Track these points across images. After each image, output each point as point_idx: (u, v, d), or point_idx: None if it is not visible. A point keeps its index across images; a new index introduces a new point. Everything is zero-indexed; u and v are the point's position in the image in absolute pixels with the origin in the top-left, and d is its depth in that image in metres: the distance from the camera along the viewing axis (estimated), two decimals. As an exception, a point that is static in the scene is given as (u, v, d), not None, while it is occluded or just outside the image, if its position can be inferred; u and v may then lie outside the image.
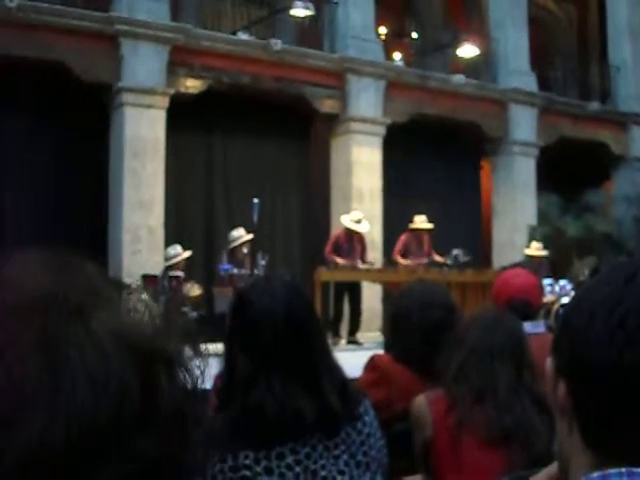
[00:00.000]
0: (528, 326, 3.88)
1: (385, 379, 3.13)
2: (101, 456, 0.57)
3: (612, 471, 0.88)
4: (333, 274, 11.29)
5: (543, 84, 16.82)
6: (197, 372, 0.66)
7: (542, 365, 3.19)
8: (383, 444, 2.24)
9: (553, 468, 1.07)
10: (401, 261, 11.99)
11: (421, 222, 12.21)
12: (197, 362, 0.66)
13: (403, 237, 12.31)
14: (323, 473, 2.05)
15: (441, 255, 12.24)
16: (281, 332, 2.07)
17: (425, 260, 12.06)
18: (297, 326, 2.09)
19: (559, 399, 0.96)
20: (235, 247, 10.70)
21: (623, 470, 0.87)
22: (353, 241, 11.60)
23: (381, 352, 3.41)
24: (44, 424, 0.55)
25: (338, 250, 11.47)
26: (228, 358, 2.13)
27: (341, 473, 2.08)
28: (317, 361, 2.10)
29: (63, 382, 0.56)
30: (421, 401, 2.70)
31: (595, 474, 0.89)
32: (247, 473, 1.97)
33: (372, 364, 3.27)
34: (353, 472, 2.10)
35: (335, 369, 2.15)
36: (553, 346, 1.01)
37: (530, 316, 3.91)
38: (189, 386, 0.64)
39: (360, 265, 11.57)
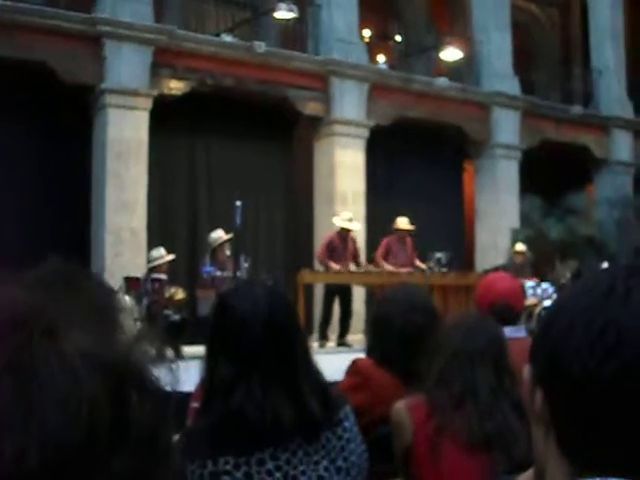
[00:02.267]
0: (509, 330, 3.89)
1: (366, 384, 3.13)
2: (75, 479, 0.56)
3: None
4: (316, 277, 11.31)
5: (526, 87, 16.89)
6: (172, 381, 0.66)
7: (522, 370, 3.19)
8: (363, 449, 2.23)
9: (530, 474, 1.08)
10: (384, 265, 12.00)
11: (403, 223, 12.22)
12: (174, 367, 0.66)
13: (386, 240, 12.34)
14: (303, 479, 2.04)
15: (423, 261, 12.26)
16: (262, 337, 2.07)
17: (408, 266, 12.08)
18: (278, 331, 2.09)
19: (536, 407, 0.96)
20: (217, 249, 10.67)
21: None
22: (347, 242, 11.65)
23: (363, 356, 3.42)
24: (18, 449, 0.54)
25: (332, 252, 11.49)
26: (209, 362, 2.13)
27: (321, 479, 2.07)
28: (298, 366, 2.09)
29: (34, 405, 0.56)
30: (401, 407, 2.70)
31: None
32: (227, 479, 1.97)
33: (353, 368, 3.27)
34: (333, 477, 2.09)
35: (316, 374, 2.15)
36: (531, 354, 1.01)
37: (512, 320, 3.93)
38: (161, 404, 0.64)
39: (353, 268, 11.61)
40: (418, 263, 12.25)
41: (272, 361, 2.05)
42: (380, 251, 12.29)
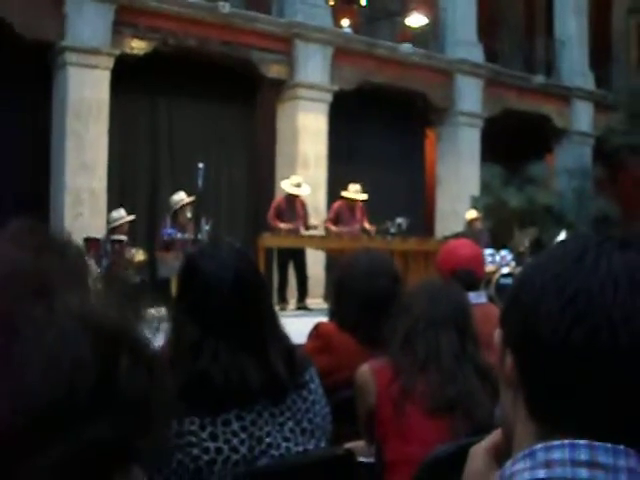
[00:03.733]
0: (471, 296, 3.94)
1: (329, 347, 3.16)
2: (50, 439, 0.56)
3: (555, 443, 0.90)
4: (276, 240, 11.28)
5: (489, 56, 16.93)
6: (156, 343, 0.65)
7: (484, 335, 3.25)
8: (328, 411, 2.26)
9: (496, 436, 1.09)
10: (332, 228, 11.97)
11: (355, 192, 12.15)
12: (159, 328, 0.65)
13: (336, 205, 12.28)
14: (268, 440, 2.06)
15: (371, 224, 12.19)
16: (229, 298, 2.07)
17: (357, 227, 12.04)
18: (245, 293, 2.09)
19: (506, 370, 0.98)
20: (178, 211, 10.62)
21: (566, 442, 0.89)
22: (295, 206, 11.59)
23: (325, 320, 3.44)
24: None
25: (280, 216, 11.46)
26: (175, 324, 2.12)
27: (286, 440, 2.09)
28: (264, 328, 2.10)
29: (14, 362, 0.55)
30: (365, 370, 2.72)
31: (539, 445, 0.91)
32: (192, 439, 1.98)
33: (316, 332, 3.29)
34: (298, 439, 2.12)
35: (282, 336, 2.17)
36: (501, 318, 1.03)
37: (473, 286, 3.97)
38: (154, 369, 0.63)
39: (303, 231, 11.58)
40: (367, 226, 12.16)
41: (239, 322, 2.06)
42: (329, 216, 12.26)
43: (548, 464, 0.89)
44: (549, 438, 0.91)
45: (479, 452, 1.11)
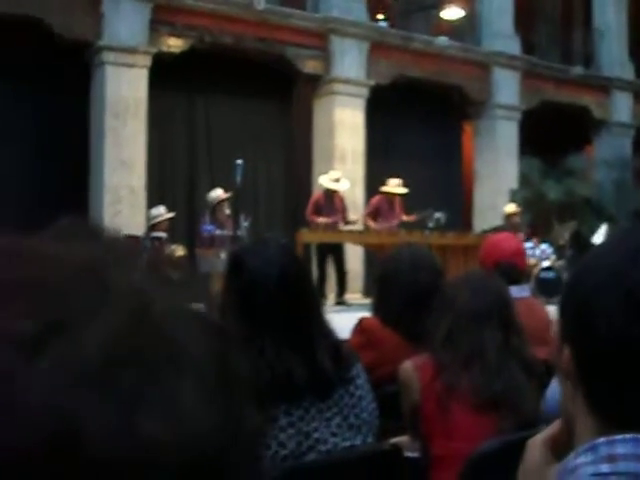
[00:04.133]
0: (514, 290, 3.91)
1: (372, 342, 3.15)
2: None
3: (618, 437, 0.89)
4: (315, 235, 11.27)
5: (526, 47, 16.78)
6: None
7: (528, 328, 3.22)
8: (374, 407, 2.25)
9: (554, 428, 1.08)
10: (371, 224, 11.94)
11: (395, 186, 12.12)
12: None
13: (375, 200, 12.26)
14: (316, 435, 2.06)
15: (408, 214, 12.10)
16: (275, 294, 2.07)
17: (395, 223, 12.00)
18: (291, 289, 2.10)
19: (563, 363, 0.97)
20: (216, 208, 10.65)
21: (628, 436, 0.88)
22: (333, 201, 11.57)
23: (368, 315, 3.43)
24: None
25: (319, 211, 11.45)
26: (221, 319, 2.13)
27: (333, 435, 2.09)
28: (310, 324, 2.10)
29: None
30: (408, 366, 2.70)
31: (601, 439, 0.90)
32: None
33: (360, 327, 3.29)
34: (345, 434, 2.12)
35: (328, 332, 2.16)
36: (559, 311, 1.02)
37: (516, 280, 3.94)
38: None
39: (342, 225, 11.57)
40: (405, 218, 12.10)
41: (285, 318, 2.06)
42: (368, 211, 12.23)
43: (611, 458, 0.88)
44: (610, 432, 0.90)
45: (536, 444, 1.10)
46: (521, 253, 4.15)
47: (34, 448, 0.39)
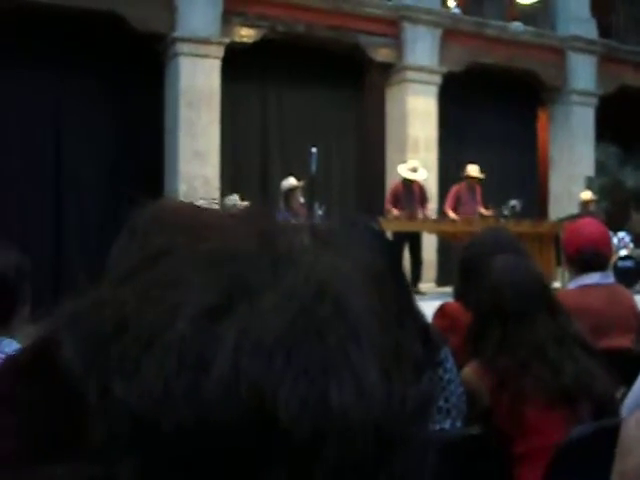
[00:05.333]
0: (598, 277, 3.83)
1: (455, 327, 3.10)
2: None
3: None
4: (391, 224, 11.23)
5: (603, 31, 16.40)
6: None
7: (613, 315, 3.14)
8: (462, 391, 2.22)
9: None
10: (451, 215, 11.88)
11: (473, 171, 12.07)
12: None
13: (455, 189, 12.20)
14: (405, 418, 2.04)
15: (488, 208, 12.07)
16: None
17: (477, 209, 11.95)
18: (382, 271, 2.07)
19: None
20: (290, 196, 10.68)
21: None
22: (412, 191, 11.54)
23: (450, 301, 3.39)
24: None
25: (398, 201, 11.42)
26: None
27: (423, 419, 2.07)
28: (400, 305, 2.08)
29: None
30: (471, 375, 2.59)
31: None
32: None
33: (442, 312, 3.25)
34: (434, 417, 2.09)
35: (418, 314, 2.14)
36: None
37: (600, 266, 3.86)
38: None
39: (420, 215, 11.51)
40: (482, 211, 12.08)
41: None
42: (449, 202, 12.15)
43: None
44: None
45: (633, 422, 1.07)
46: (605, 239, 4.05)
47: (231, 417, 0.40)
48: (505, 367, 2.53)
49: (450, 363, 2.18)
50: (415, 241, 11.62)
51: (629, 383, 3.12)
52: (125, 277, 0.47)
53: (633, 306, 3.86)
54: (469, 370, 2.62)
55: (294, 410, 0.40)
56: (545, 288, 2.72)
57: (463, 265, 3.28)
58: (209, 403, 0.40)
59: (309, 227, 0.54)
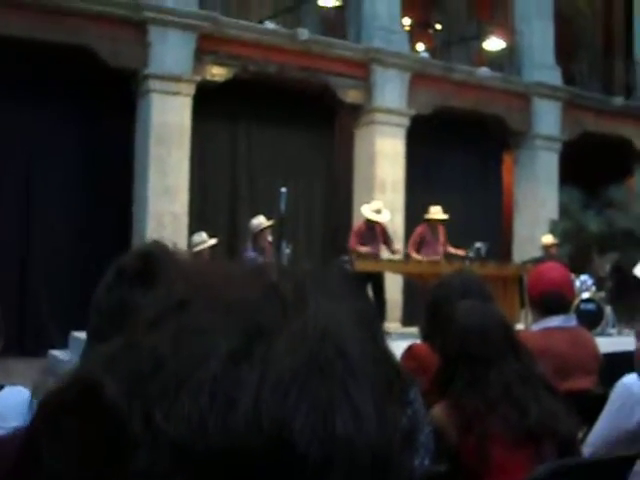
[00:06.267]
0: (561, 320, 3.93)
1: (424, 368, 3.17)
2: None
3: None
4: (360, 264, 11.31)
5: (567, 78, 16.77)
6: None
7: (576, 358, 3.23)
8: (431, 430, 2.29)
9: None
10: (415, 256, 11.95)
11: (436, 213, 12.17)
12: None
13: (418, 230, 12.28)
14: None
15: (457, 247, 12.19)
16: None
17: (441, 251, 12.03)
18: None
19: None
20: (258, 235, 10.72)
21: None
22: (375, 232, 11.61)
23: (417, 342, 3.46)
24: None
25: (361, 241, 11.49)
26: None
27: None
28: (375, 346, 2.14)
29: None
30: (440, 414, 2.68)
31: None
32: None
33: (410, 353, 3.32)
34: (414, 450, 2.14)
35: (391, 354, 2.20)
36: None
37: (564, 309, 3.96)
38: None
39: (385, 254, 11.58)
40: (452, 250, 12.18)
41: None
42: (412, 241, 12.23)
43: None
44: None
45: None
46: (568, 283, 4.16)
47: (255, 444, 0.47)
48: (473, 407, 2.61)
49: (419, 403, 2.25)
50: (378, 280, 11.68)
51: (590, 423, 3.21)
52: (153, 323, 0.54)
53: (594, 348, 3.95)
54: (438, 410, 2.70)
55: (308, 437, 0.48)
56: (509, 331, 2.81)
57: (430, 308, 3.36)
58: (237, 433, 0.47)
59: (308, 274, 0.62)
